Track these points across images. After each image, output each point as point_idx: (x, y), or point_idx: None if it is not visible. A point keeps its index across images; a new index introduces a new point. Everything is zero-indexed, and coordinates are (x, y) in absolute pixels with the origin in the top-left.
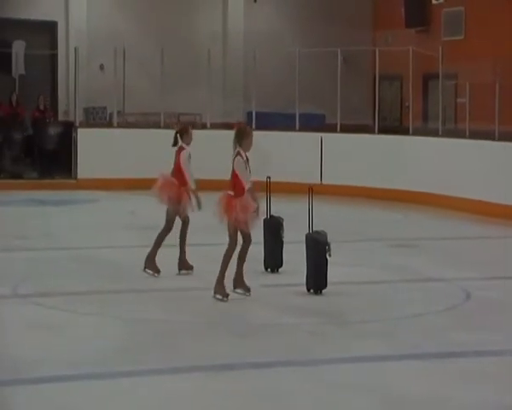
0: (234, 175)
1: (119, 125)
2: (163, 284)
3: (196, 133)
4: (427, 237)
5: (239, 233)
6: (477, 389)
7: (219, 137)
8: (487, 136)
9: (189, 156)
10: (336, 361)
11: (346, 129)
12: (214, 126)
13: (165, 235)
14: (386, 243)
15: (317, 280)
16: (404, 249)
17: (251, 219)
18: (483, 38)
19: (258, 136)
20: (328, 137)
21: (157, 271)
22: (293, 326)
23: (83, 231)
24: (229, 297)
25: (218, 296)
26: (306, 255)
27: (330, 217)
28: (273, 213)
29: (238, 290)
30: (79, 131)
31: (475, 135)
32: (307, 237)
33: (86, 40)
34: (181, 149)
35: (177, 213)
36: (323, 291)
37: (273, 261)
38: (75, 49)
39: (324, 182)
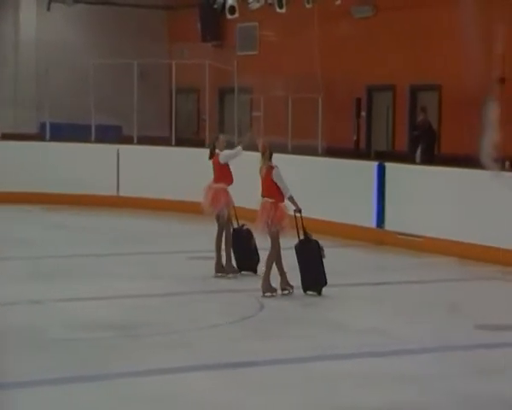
0: (272, 185)
1: None
2: None
3: None
4: (223, 248)
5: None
6: (272, 397)
7: (10, 149)
8: (281, 149)
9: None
10: (131, 375)
11: (143, 141)
12: (5, 137)
13: (230, 238)
14: (183, 256)
15: (319, 281)
16: (200, 261)
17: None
18: (276, 54)
19: (53, 147)
20: (124, 148)
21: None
22: (88, 341)
23: None
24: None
25: (268, 294)
26: (302, 261)
27: (129, 228)
28: (69, 225)
29: (267, 294)
30: None
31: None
32: (298, 246)
33: None
34: (217, 155)
35: (225, 215)
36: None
37: None
38: None
39: (121, 194)
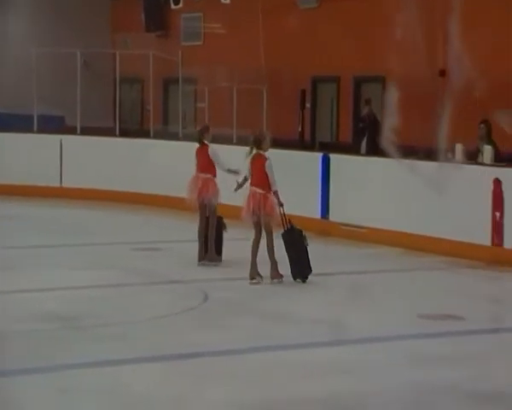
0: (265, 175)
1: None
2: None
3: None
4: (167, 239)
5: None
6: (217, 388)
7: None
8: (225, 140)
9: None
10: (76, 366)
11: (87, 132)
12: None
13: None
14: (129, 247)
15: (303, 269)
16: (144, 253)
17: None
18: (221, 45)
19: None
20: (68, 139)
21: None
22: (32, 332)
23: None
24: None
25: (275, 281)
26: (291, 250)
27: (72, 219)
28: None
29: (275, 281)
30: None
31: (215, 139)
32: (284, 235)
33: None
34: (205, 145)
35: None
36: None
37: None
38: None
39: (64, 185)
